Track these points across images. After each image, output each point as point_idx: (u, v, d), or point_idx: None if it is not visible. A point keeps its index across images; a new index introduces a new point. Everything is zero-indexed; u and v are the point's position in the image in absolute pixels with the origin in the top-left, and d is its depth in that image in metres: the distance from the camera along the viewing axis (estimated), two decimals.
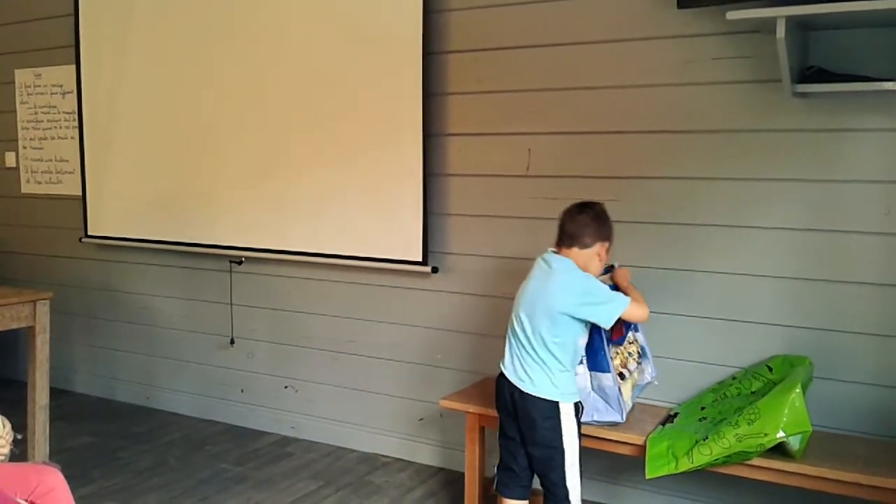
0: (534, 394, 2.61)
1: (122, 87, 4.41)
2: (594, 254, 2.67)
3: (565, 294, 2.60)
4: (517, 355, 2.67)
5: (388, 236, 3.66)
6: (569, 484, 2.63)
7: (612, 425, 2.86)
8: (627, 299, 2.66)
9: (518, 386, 2.64)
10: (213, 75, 4.10)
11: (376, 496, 3.46)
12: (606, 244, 2.70)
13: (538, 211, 3.33)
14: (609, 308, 2.62)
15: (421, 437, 3.80)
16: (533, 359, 2.62)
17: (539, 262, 2.72)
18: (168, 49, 4.23)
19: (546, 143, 3.36)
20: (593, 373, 2.82)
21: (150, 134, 4.34)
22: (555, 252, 2.70)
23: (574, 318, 2.61)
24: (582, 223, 2.66)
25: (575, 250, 2.66)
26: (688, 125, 3.07)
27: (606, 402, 2.82)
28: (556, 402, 2.61)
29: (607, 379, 2.80)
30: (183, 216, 4.27)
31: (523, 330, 2.64)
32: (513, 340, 2.69)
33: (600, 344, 2.79)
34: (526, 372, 2.63)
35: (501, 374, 2.72)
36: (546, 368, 2.62)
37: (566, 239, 2.69)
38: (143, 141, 4.37)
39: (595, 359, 2.80)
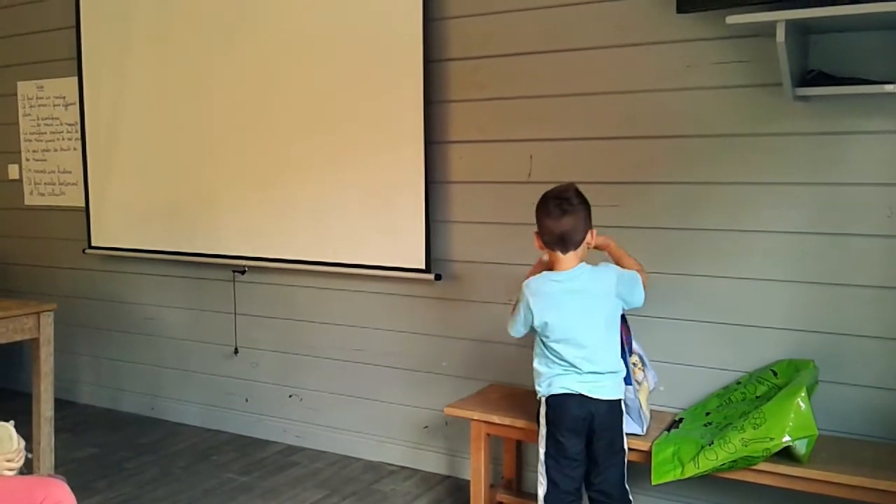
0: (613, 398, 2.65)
1: (124, 98, 4.43)
2: (585, 244, 2.66)
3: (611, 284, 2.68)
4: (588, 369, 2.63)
5: (391, 244, 3.67)
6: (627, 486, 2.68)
7: (631, 434, 2.82)
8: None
9: (600, 397, 2.62)
10: (215, 85, 4.11)
11: None
12: (593, 230, 2.67)
13: None
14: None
15: (426, 445, 3.80)
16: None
17: (558, 286, 2.64)
18: (170, 60, 4.24)
19: (547, 149, 3.36)
20: None
21: (153, 145, 4.35)
22: (558, 270, 2.65)
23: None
24: (568, 224, 2.58)
25: (570, 254, 2.63)
26: (689, 130, 3.07)
27: (627, 414, 2.79)
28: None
29: (629, 391, 2.78)
30: (186, 226, 4.28)
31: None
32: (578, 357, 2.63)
33: (622, 355, 2.78)
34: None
35: (574, 396, 2.61)
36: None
37: (557, 243, 2.61)
38: (146, 152, 4.38)
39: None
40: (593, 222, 2.67)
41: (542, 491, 2.65)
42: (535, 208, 2.68)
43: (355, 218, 3.76)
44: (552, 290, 2.64)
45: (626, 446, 2.69)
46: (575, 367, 2.61)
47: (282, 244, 3.98)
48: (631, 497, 2.68)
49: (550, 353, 2.66)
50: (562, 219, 2.58)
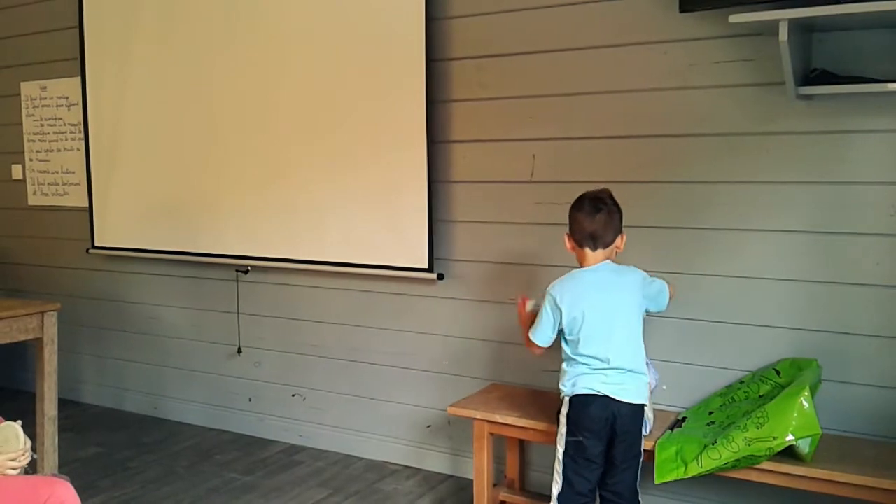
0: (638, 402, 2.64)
1: (127, 99, 4.43)
2: (614, 249, 2.70)
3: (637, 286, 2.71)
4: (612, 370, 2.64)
5: (394, 244, 3.67)
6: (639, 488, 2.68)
7: None
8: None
9: (624, 400, 2.62)
10: (217, 85, 4.11)
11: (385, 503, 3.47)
12: (624, 235, 2.73)
13: (543, 216, 3.33)
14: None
15: (429, 445, 3.80)
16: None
17: (589, 276, 2.69)
18: (172, 60, 4.25)
19: (550, 148, 3.36)
20: None
21: (156, 145, 4.36)
22: (592, 264, 2.70)
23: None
24: (602, 222, 2.65)
25: (599, 252, 2.68)
26: (691, 129, 3.07)
27: None
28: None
29: None
30: (189, 226, 4.29)
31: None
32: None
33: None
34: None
35: (600, 398, 2.62)
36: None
37: (588, 240, 2.67)
38: (149, 152, 4.39)
39: None
40: None
41: (556, 489, 2.66)
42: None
43: (358, 217, 3.76)
44: (578, 286, 2.68)
45: (643, 451, 2.69)
46: (600, 361, 2.62)
47: (284, 244, 3.99)
48: (640, 499, 2.69)
49: (574, 353, 2.68)
50: (595, 216, 2.65)
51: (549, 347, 2.78)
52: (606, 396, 2.59)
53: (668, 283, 2.80)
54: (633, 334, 2.68)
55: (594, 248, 2.67)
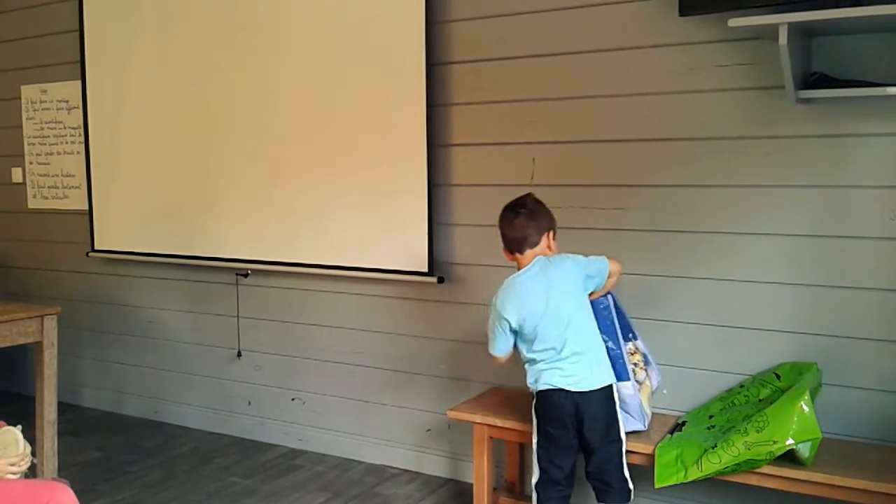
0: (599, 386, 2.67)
1: (127, 102, 4.44)
2: (545, 248, 2.76)
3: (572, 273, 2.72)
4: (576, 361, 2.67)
5: (394, 247, 3.67)
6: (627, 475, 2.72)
7: (634, 434, 2.84)
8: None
9: (584, 389, 2.65)
10: (217, 89, 4.12)
11: None
12: (552, 232, 2.79)
13: None
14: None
15: (429, 449, 3.79)
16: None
17: (521, 283, 2.73)
18: (172, 64, 4.25)
19: (550, 151, 3.36)
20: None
21: (156, 148, 4.36)
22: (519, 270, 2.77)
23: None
24: (520, 226, 2.74)
25: (528, 253, 2.74)
26: (691, 133, 3.07)
27: (626, 412, 2.80)
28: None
29: (627, 388, 2.80)
30: (189, 229, 4.29)
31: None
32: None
33: (618, 353, 2.80)
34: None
35: (559, 391, 2.67)
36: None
37: (514, 246, 2.76)
38: (149, 155, 4.39)
39: (614, 368, 2.79)
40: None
41: (534, 478, 2.75)
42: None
43: (358, 221, 3.76)
44: (516, 290, 2.73)
45: (622, 435, 2.72)
46: (554, 351, 2.67)
47: (284, 247, 3.99)
48: (632, 485, 2.71)
49: (529, 351, 2.73)
50: (513, 221, 2.76)
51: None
52: (563, 390, 2.65)
53: (612, 258, 2.81)
54: (579, 318, 2.70)
55: (522, 252, 2.76)
